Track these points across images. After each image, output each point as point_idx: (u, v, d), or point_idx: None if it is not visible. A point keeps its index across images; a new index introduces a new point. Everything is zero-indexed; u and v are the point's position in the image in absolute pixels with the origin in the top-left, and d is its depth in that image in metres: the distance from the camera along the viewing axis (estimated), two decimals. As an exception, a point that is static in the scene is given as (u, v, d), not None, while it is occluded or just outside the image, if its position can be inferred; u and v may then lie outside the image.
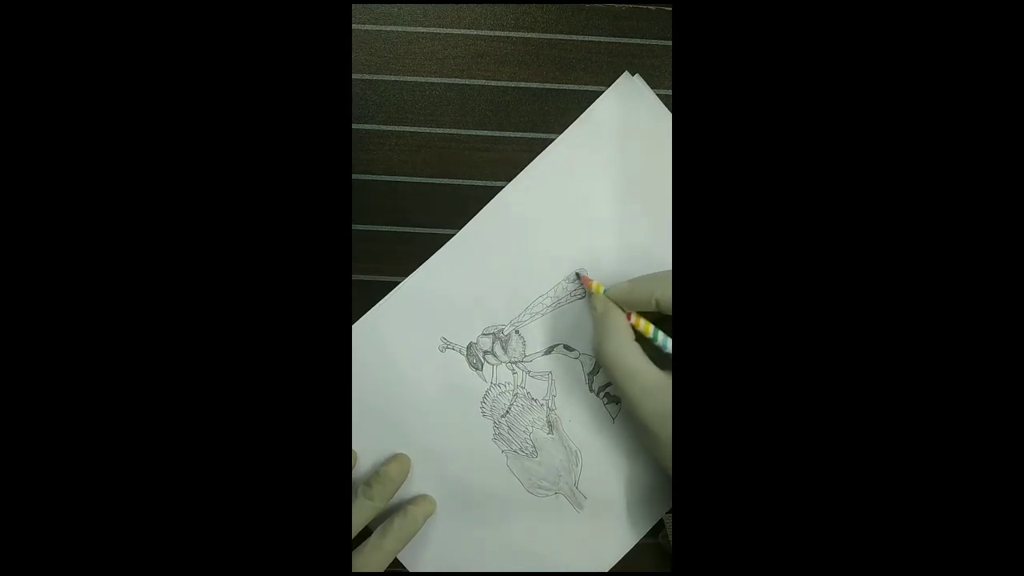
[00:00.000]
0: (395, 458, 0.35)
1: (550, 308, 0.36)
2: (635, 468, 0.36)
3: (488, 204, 0.36)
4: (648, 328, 0.31)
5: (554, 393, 0.36)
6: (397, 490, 0.34)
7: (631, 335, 0.31)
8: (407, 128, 0.36)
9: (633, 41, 0.36)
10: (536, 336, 0.36)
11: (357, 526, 0.32)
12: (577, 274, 0.35)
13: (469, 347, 0.36)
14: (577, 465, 0.36)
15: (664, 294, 0.30)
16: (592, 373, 0.36)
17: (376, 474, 0.34)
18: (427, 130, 0.36)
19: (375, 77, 0.36)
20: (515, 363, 0.36)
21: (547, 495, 0.36)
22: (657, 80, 0.36)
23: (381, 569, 0.32)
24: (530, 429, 0.36)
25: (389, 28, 0.36)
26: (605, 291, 0.33)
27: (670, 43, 0.36)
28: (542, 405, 0.36)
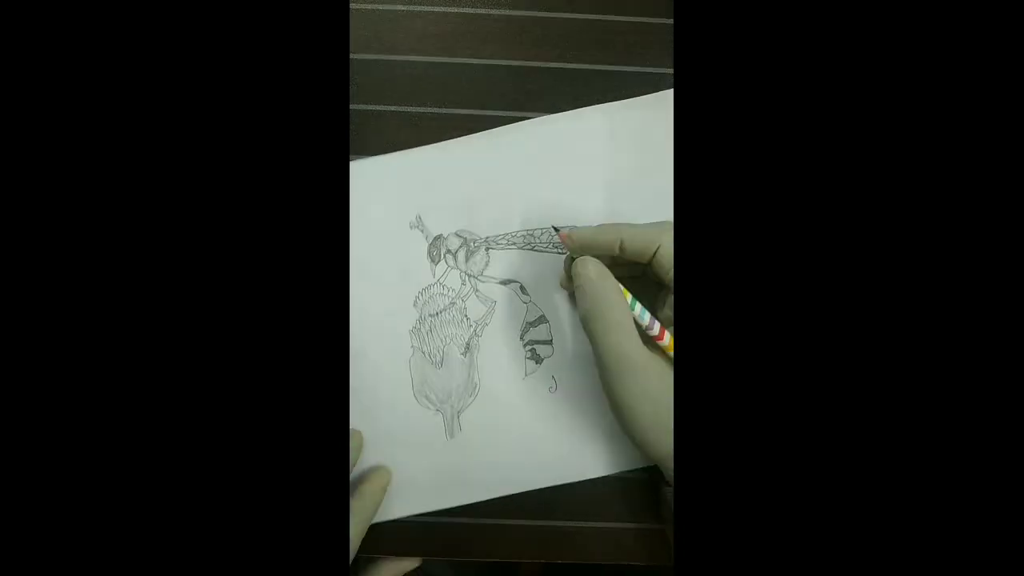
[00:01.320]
0: (375, 472, 0.35)
1: (527, 246, 0.36)
2: (517, 433, 0.36)
3: (523, 124, 0.36)
4: (626, 295, 0.30)
5: (487, 322, 0.36)
6: (378, 506, 0.34)
7: (627, 312, 0.30)
8: (388, 107, 0.36)
9: (617, 18, 0.37)
10: (500, 263, 0.36)
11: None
12: (555, 228, 0.34)
13: (437, 238, 0.36)
14: (471, 396, 0.36)
15: (631, 239, 0.29)
16: (531, 324, 0.36)
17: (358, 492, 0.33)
18: (408, 109, 0.36)
19: (356, 56, 0.36)
20: (469, 275, 0.36)
21: (428, 408, 0.36)
22: (639, 57, 0.36)
23: (352, 552, 0.33)
24: (448, 341, 0.36)
25: (369, 7, 0.36)
26: (569, 231, 0.31)
27: (652, 20, 0.37)
28: (471, 326, 0.36)
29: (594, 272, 0.30)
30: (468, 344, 0.36)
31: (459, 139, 0.36)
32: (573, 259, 0.31)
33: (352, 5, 0.36)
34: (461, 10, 0.37)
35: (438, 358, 0.36)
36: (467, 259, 0.36)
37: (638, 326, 0.30)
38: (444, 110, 0.36)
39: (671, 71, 0.36)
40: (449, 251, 0.36)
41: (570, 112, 0.36)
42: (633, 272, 0.33)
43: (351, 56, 0.36)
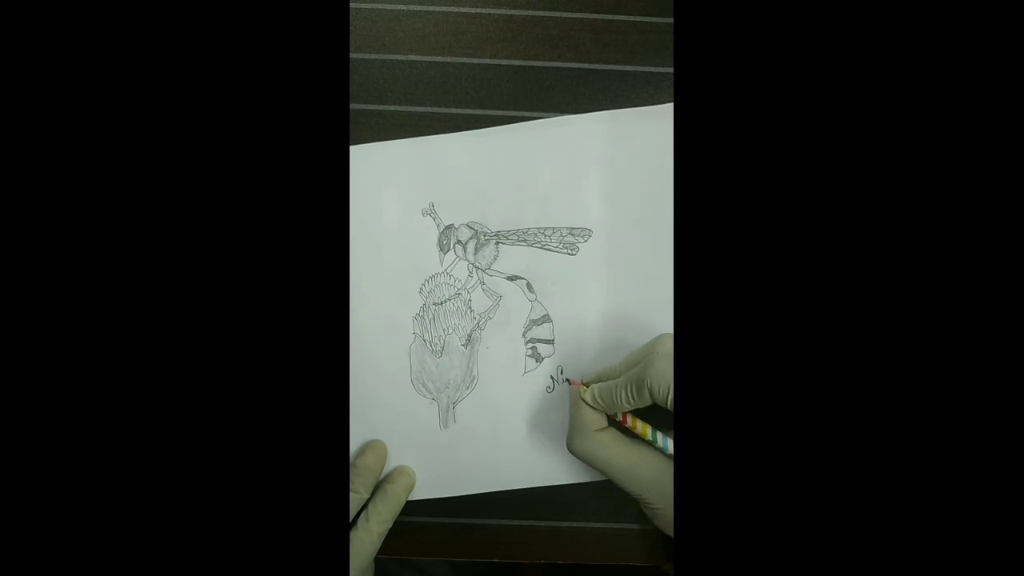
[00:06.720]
0: (370, 447, 0.35)
1: (537, 244, 0.36)
2: (510, 429, 0.36)
3: (548, 120, 0.36)
4: (646, 430, 0.31)
5: (491, 316, 0.36)
6: (378, 477, 0.35)
7: (595, 424, 0.31)
8: (388, 107, 0.36)
9: (617, 17, 0.37)
10: (510, 258, 0.36)
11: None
12: (568, 380, 0.35)
13: (448, 227, 0.36)
14: (468, 389, 0.36)
15: (656, 383, 0.28)
16: (535, 322, 0.36)
17: (354, 466, 0.34)
18: (407, 109, 0.36)
19: (354, 56, 0.36)
20: (477, 267, 0.36)
21: (424, 396, 0.36)
22: (641, 57, 0.36)
23: (375, 551, 0.33)
24: (449, 331, 0.36)
25: (369, 7, 0.36)
26: (587, 389, 0.32)
27: (652, 19, 0.36)
28: (474, 318, 0.36)
29: (571, 402, 0.32)
30: (470, 336, 0.36)
31: (479, 130, 0.36)
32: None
33: (352, 5, 0.36)
34: (461, 10, 0.37)
35: (438, 347, 0.36)
36: (476, 251, 0.36)
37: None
38: (444, 110, 0.37)
39: (671, 71, 0.36)
40: (459, 241, 0.36)
41: (595, 114, 0.36)
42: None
43: (351, 56, 0.36)
